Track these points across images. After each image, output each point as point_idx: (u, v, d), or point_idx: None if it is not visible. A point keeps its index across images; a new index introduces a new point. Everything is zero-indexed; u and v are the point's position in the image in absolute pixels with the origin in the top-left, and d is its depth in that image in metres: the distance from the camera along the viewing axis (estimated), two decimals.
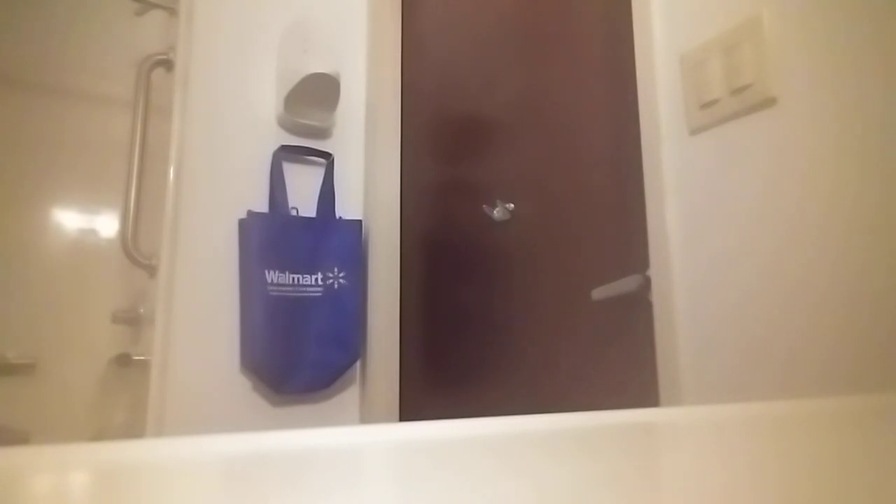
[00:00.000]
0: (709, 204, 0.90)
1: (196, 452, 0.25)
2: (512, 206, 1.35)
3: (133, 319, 1.75)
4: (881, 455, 0.24)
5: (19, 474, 0.20)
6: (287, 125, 1.64)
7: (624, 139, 1.10)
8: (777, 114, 0.82)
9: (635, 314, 1.04)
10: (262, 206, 1.56)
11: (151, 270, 1.49)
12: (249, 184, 1.56)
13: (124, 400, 1.82)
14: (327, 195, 1.64)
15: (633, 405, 1.01)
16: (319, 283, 1.54)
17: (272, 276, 1.47)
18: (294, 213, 1.60)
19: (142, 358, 1.51)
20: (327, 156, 1.67)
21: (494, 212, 1.35)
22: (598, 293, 1.06)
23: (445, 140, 1.61)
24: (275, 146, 1.60)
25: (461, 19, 1.60)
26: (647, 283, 0.99)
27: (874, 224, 0.70)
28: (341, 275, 1.57)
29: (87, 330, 1.86)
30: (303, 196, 1.63)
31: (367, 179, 1.74)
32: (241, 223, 1.52)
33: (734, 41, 0.87)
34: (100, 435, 1.81)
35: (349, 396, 1.62)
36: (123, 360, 1.64)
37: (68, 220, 1.93)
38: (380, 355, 1.61)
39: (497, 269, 1.39)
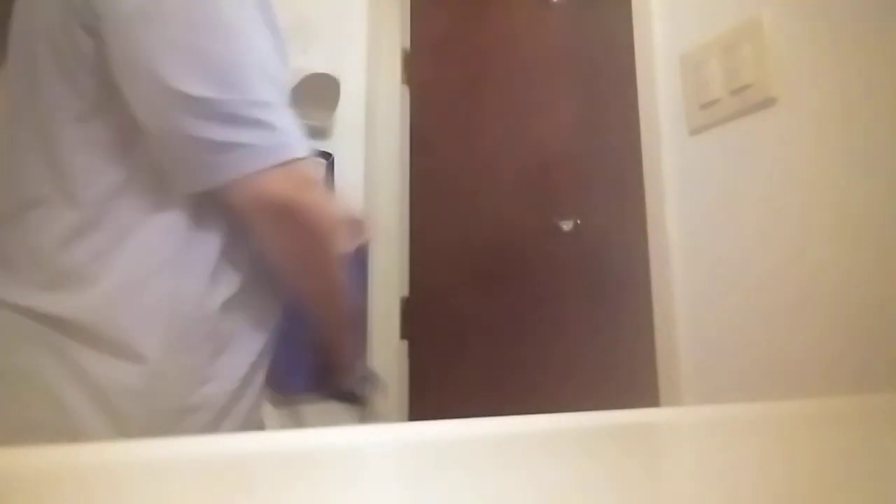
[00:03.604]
0: (709, 203, 0.90)
1: (196, 452, 0.25)
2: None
3: None
4: (881, 454, 0.24)
5: (19, 474, 0.20)
6: None
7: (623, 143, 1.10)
8: (777, 114, 0.82)
9: (635, 314, 1.04)
10: None
11: None
12: None
13: None
14: None
15: (633, 405, 1.01)
16: None
17: None
18: None
19: None
20: (327, 156, 1.66)
21: (563, 224, 1.26)
22: None
23: (453, 139, 1.62)
24: None
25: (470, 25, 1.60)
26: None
27: (875, 223, 0.70)
28: None
29: None
30: None
31: (367, 179, 1.74)
32: None
33: (734, 41, 0.87)
34: None
35: None
36: None
37: None
38: (380, 355, 1.61)
39: (500, 270, 1.39)
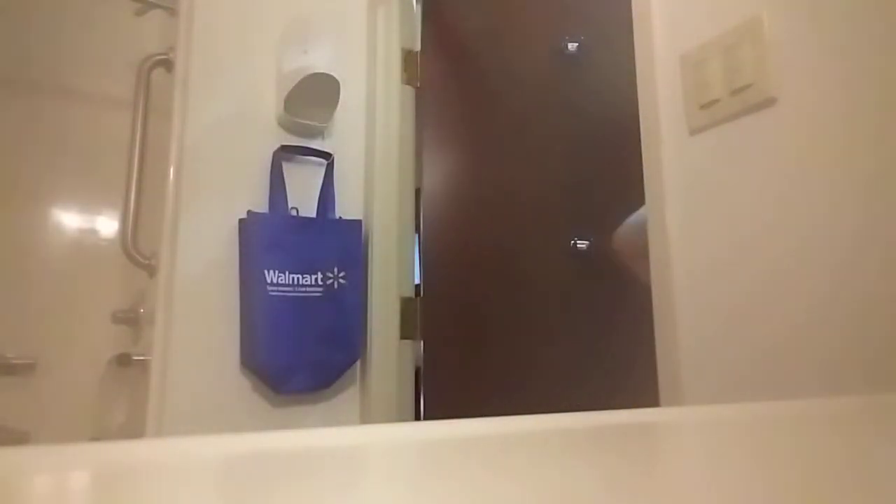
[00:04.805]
0: (709, 204, 0.90)
1: (196, 452, 0.25)
2: None
3: (133, 319, 1.74)
4: (879, 456, 0.24)
5: (19, 474, 0.20)
6: (287, 125, 1.64)
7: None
8: (777, 114, 0.82)
9: (635, 314, 1.04)
10: (262, 206, 1.56)
11: (151, 270, 1.49)
12: (249, 184, 1.56)
13: (124, 400, 1.82)
14: (327, 195, 1.64)
15: (633, 405, 1.01)
16: (319, 283, 1.54)
17: (272, 276, 1.47)
18: (294, 213, 1.59)
19: (142, 358, 1.51)
20: (327, 156, 1.67)
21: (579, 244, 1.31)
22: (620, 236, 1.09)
23: (464, 138, 1.62)
24: (275, 146, 1.60)
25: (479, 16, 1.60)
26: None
27: (873, 224, 0.70)
28: (341, 275, 1.57)
29: (87, 330, 1.86)
30: (303, 196, 1.63)
31: (367, 179, 1.74)
32: (241, 223, 1.52)
33: (734, 41, 0.87)
34: (100, 435, 1.81)
35: (349, 396, 1.62)
36: (123, 360, 1.63)
37: (68, 220, 1.93)
38: (380, 355, 1.61)
39: (509, 273, 1.39)
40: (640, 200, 1.00)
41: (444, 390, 1.53)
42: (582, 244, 1.20)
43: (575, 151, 1.25)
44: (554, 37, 1.37)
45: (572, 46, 1.31)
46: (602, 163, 1.19)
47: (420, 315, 1.64)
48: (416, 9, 1.85)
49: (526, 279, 1.33)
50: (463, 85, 1.70)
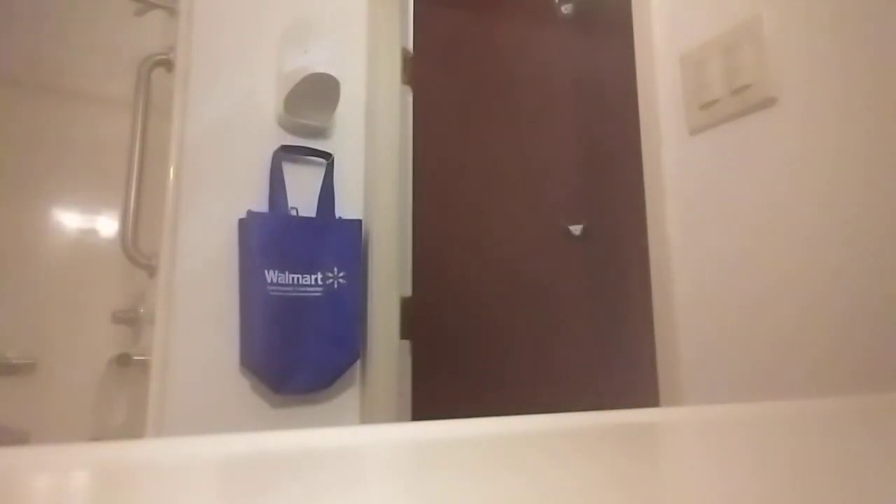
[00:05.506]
0: (708, 203, 0.90)
1: (196, 452, 0.25)
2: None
3: (133, 319, 1.74)
4: (880, 455, 0.24)
5: (19, 474, 0.20)
6: (287, 125, 1.63)
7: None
8: (777, 114, 0.82)
9: (636, 314, 1.04)
10: (262, 206, 1.56)
11: (151, 270, 1.49)
12: (249, 184, 1.56)
13: (124, 400, 1.82)
14: (327, 195, 1.64)
15: (634, 405, 1.01)
16: (319, 283, 1.54)
17: (272, 275, 1.47)
18: (294, 213, 1.59)
19: (142, 358, 1.51)
20: (327, 156, 1.67)
21: (572, 228, 1.32)
22: None
23: (460, 135, 1.62)
24: (275, 146, 1.60)
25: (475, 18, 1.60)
26: None
27: (873, 224, 0.70)
28: (341, 275, 1.57)
29: (87, 330, 1.86)
30: (303, 196, 1.63)
31: (366, 179, 1.74)
32: (241, 223, 1.52)
33: (734, 41, 0.87)
34: (100, 435, 1.81)
35: (349, 396, 1.62)
36: (123, 360, 1.63)
37: (68, 220, 1.93)
38: (380, 355, 1.61)
39: (504, 272, 1.39)
40: (638, 183, 1.00)
41: (434, 390, 1.53)
42: (575, 229, 1.21)
43: (571, 138, 1.25)
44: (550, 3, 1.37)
45: (566, 8, 1.30)
46: (599, 152, 1.19)
47: (406, 315, 1.64)
48: (411, 8, 1.85)
49: (523, 278, 1.33)
50: (459, 83, 1.70)
